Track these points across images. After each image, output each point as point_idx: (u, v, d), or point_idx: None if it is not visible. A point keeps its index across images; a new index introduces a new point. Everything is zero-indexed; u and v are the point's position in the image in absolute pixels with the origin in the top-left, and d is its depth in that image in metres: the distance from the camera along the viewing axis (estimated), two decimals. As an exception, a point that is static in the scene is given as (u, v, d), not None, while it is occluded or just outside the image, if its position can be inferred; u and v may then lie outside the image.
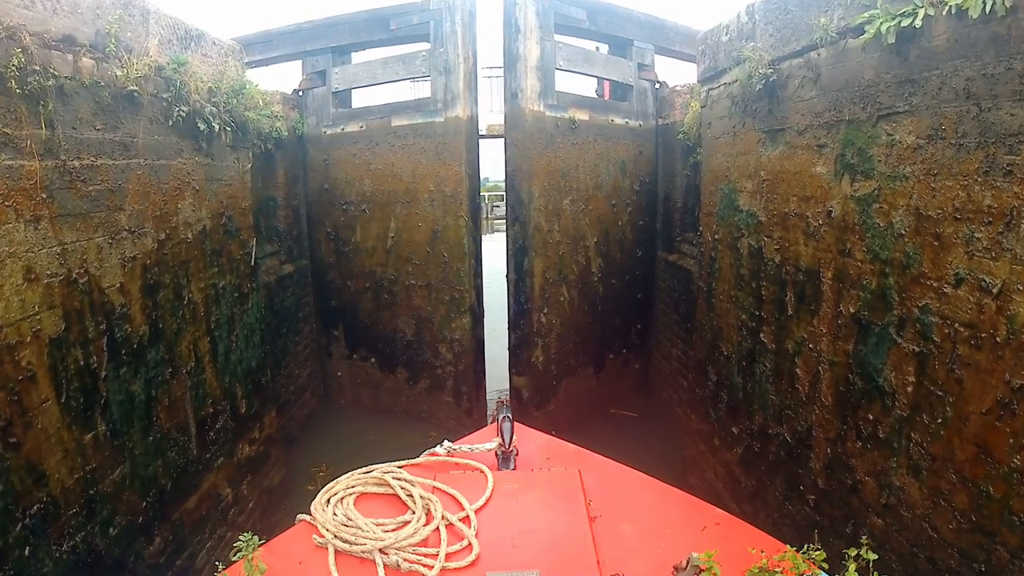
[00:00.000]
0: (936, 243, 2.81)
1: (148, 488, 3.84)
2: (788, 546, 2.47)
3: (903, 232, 2.99)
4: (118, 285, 3.56)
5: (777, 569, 2.33)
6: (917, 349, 2.94)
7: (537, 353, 7.30)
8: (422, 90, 9.57)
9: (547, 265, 7.25)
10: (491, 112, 14.24)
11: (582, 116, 7.32)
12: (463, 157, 7.15)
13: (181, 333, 4.19)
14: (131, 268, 3.68)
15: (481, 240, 7.62)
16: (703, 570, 2.29)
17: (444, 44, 6.93)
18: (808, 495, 3.84)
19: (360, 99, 8.35)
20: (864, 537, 2.69)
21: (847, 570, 2.25)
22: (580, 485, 3.16)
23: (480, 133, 14.68)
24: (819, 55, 3.57)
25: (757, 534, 2.87)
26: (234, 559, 2.49)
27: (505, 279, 7.29)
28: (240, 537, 2.50)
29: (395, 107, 7.57)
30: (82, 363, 3.29)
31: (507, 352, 7.46)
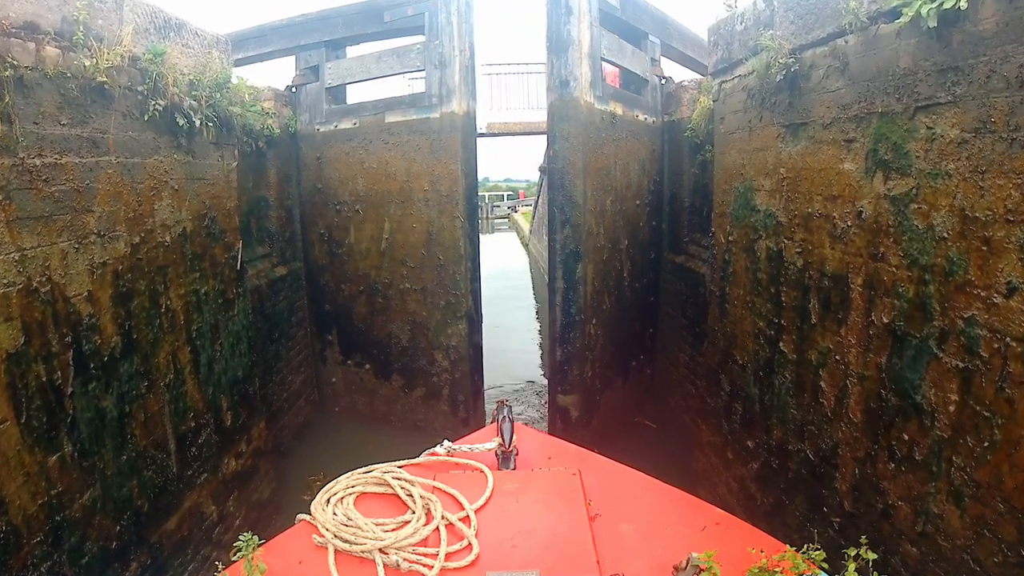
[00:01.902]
0: (985, 248, 2.53)
1: (122, 511, 3.57)
2: (788, 546, 2.44)
3: (946, 235, 2.72)
4: (85, 293, 3.28)
5: (777, 569, 2.32)
6: (961, 364, 2.67)
7: (587, 369, 6.84)
8: (419, 87, 9.27)
9: (596, 272, 6.84)
10: (491, 110, 14.04)
11: (618, 110, 6.98)
12: (459, 155, 6.78)
13: (158, 343, 3.91)
14: (101, 275, 3.40)
15: (479, 242, 7.24)
16: (703, 570, 2.26)
17: (439, 36, 6.59)
18: (832, 517, 3.57)
19: (356, 96, 8.05)
20: (863, 538, 2.52)
21: (847, 570, 2.22)
22: (580, 485, 3.13)
23: (479, 131, 14.45)
24: (847, 42, 3.30)
25: (757, 534, 2.83)
26: (234, 559, 2.48)
27: (548, 288, 6.79)
28: (240, 536, 2.48)
29: (389, 103, 7.24)
30: (45, 379, 3.01)
31: (550, 369, 6.96)
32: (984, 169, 2.52)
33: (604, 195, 6.85)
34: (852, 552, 2.26)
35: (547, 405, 7.39)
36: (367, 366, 7.92)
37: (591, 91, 6.42)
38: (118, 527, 3.53)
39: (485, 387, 7.76)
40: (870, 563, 2.26)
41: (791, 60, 3.72)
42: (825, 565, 2.40)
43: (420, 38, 6.84)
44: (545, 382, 11.22)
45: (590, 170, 6.55)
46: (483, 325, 7.57)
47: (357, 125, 7.31)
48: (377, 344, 7.76)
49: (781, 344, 4.04)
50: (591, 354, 6.89)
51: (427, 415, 7.57)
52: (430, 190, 6.96)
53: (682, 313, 7.26)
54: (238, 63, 7.97)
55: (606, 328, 7.15)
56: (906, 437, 2.99)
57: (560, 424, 6.85)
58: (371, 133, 7.23)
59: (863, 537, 2.56)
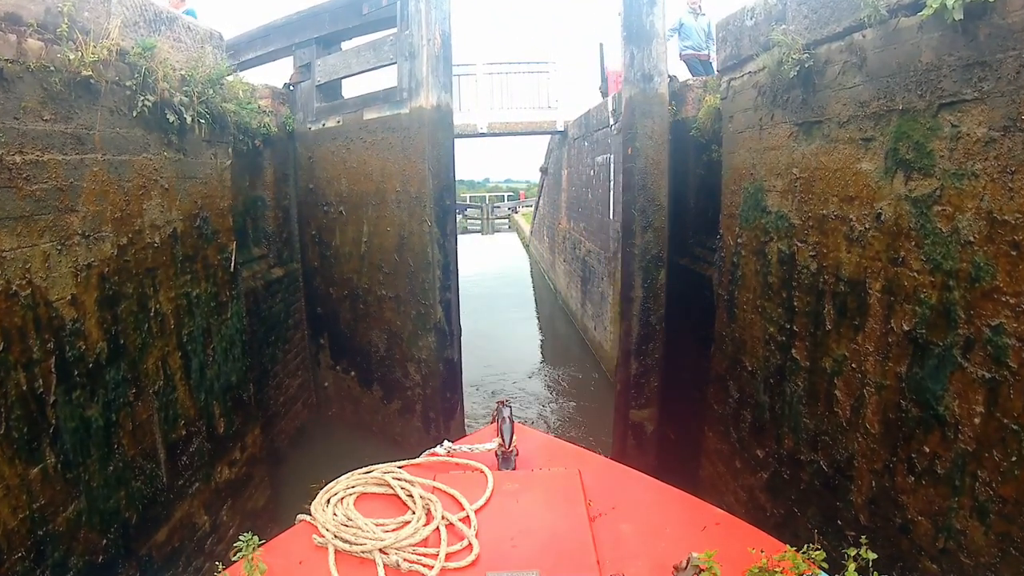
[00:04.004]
0: (1014, 253, 2.40)
1: (109, 523, 3.43)
2: (788, 546, 2.43)
3: (971, 239, 2.58)
4: (69, 297, 3.14)
5: (777, 569, 2.32)
6: (987, 375, 2.54)
7: (661, 380, 6.45)
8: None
9: (668, 278, 6.49)
10: (491, 110, 13.91)
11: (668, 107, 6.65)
12: (425, 152, 6.23)
13: (147, 349, 3.77)
14: (85, 277, 3.26)
15: (454, 248, 6.63)
16: (703, 570, 2.26)
17: (409, 25, 6.22)
18: (847, 531, 3.44)
19: (350, 92, 7.88)
20: (864, 538, 2.46)
21: (847, 570, 2.22)
22: (580, 485, 3.14)
23: (481, 131, 14.30)
24: (864, 37, 3.17)
25: (757, 534, 2.83)
26: (234, 559, 2.48)
27: (622, 298, 6.38)
28: (240, 537, 2.48)
29: (367, 99, 6.91)
30: (25, 387, 2.86)
31: (622, 384, 6.55)
32: (1014, 169, 2.39)
33: (668, 196, 6.51)
34: (852, 552, 2.24)
35: (613, 423, 6.85)
36: (352, 373, 7.70)
37: (669, 86, 6.11)
38: (105, 540, 3.38)
39: (466, 401, 7.34)
40: (870, 563, 2.23)
41: (805, 56, 3.58)
42: (825, 565, 2.38)
43: (395, 30, 6.52)
44: (544, 372, 11.19)
45: (670, 170, 6.22)
46: (462, 339, 6.97)
47: (341, 123, 7.10)
48: (360, 351, 7.50)
49: (793, 351, 3.90)
50: (666, 364, 6.53)
51: (403, 429, 7.23)
52: (401, 191, 6.57)
53: (686, 316, 7.12)
54: (247, 64, 7.89)
55: (667, 336, 6.76)
56: (927, 449, 2.86)
57: (632, 440, 6.40)
58: (352, 131, 6.97)
59: (863, 537, 2.50)
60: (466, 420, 7.24)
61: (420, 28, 6.10)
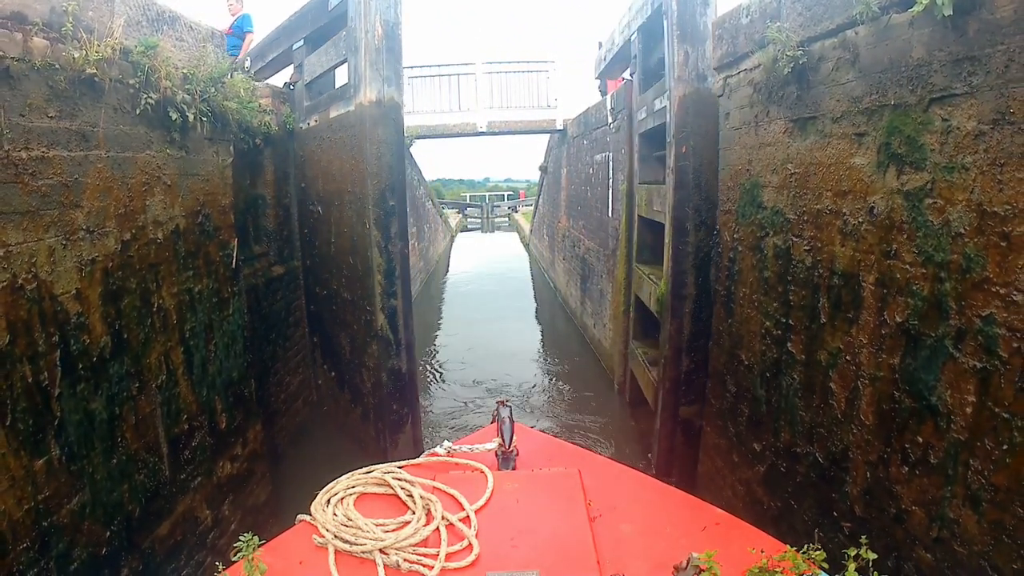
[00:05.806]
0: (1004, 244, 2.44)
1: (112, 516, 3.47)
2: (788, 546, 2.44)
3: (962, 231, 2.62)
4: (74, 292, 3.18)
5: (777, 569, 2.32)
6: (979, 365, 2.57)
7: (707, 377, 6.19)
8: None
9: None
10: (490, 109, 13.97)
11: None
12: (364, 150, 5.94)
13: (150, 343, 3.81)
14: (89, 272, 3.30)
15: (402, 253, 6.21)
16: (703, 570, 2.27)
17: (354, 18, 5.91)
18: (843, 522, 3.48)
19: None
20: (864, 537, 2.48)
21: (847, 570, 2.22)
22: (580, 485, 3.15)
23: (480, 130, 14.34)
24: (857, 33, 3.21)
25: (757, 534, 2.84)
26: (234, 559, 2.49)
27: (672, 296, 6.16)
28: (240, 537, 2.49)
29: (332, 97, 6.82)
30: (31, 380, 2.91)
31: (671, 382, 6.20)
32: (1003, 162, 2.43)
33: None
34: (852, 552, 2.25)
35: (659, 423, 6.59)
36: (332, 373, 7.71)
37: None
38: (108, 532, 3.43)
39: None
40: (870, 563, 2.24)
41: (799, 52, 3.62)
42: (825, 565, 2.39)
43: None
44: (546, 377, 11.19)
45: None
46: (414, 350, 6.53)
47: (317, 122, 7.10)
48: (335, 353, 7.49)
49: (789, 344, 3.94)
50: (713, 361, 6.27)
51: (364, 436, 7.07)
52: (352, 192, 6.37)
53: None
54: (272, 64, 7.91)
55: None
56: (920, 440, 2.90)
57: (681, 437, 6.22)
58: (323, 130, 6.93)
59: (863, 537, 2.52)
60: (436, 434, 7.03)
61: (360, 19, 5.83)
